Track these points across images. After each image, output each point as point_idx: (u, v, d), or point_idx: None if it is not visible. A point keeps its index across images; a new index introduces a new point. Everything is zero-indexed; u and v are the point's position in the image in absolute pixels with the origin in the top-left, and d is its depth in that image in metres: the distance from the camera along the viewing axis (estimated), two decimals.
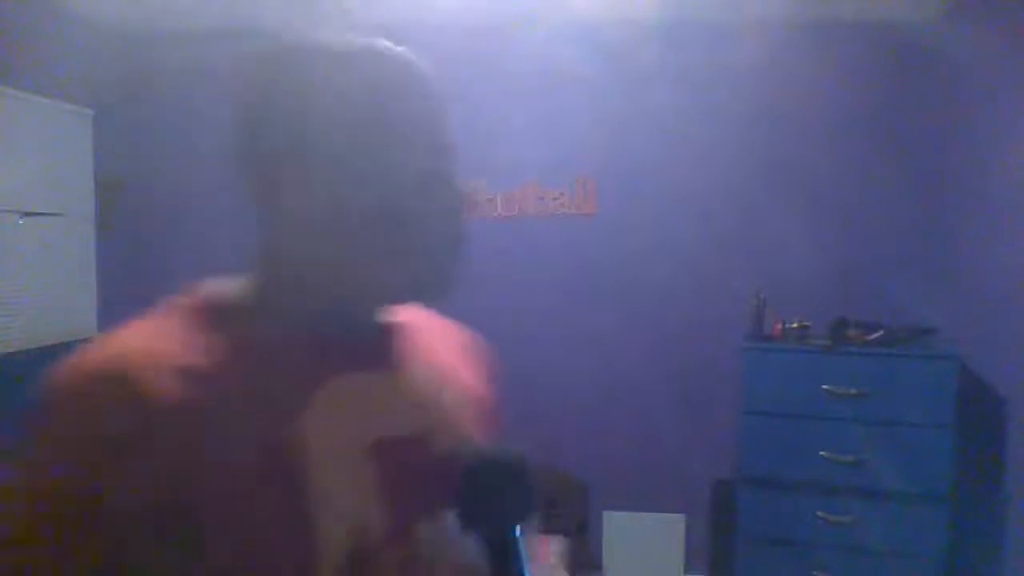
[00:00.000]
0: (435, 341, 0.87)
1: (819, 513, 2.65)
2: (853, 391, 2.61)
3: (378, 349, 0.78)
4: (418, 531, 0.73)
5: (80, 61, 3.22)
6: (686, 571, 3.30)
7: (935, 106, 3.04)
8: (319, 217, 0.72)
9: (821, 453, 2.63)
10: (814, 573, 2.65)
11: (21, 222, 2.98)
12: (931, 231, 3.06)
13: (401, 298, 0.78)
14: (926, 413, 2.56)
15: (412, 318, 0.85)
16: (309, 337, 0.72)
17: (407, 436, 0.75)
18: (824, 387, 2.63)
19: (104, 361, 0.68)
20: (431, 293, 0.77)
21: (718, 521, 3.26)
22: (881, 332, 2.72)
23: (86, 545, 0.62)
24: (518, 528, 0.71)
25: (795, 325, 2.87)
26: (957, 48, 2.78)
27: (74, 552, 0.62)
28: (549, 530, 2.93)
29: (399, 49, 0.82)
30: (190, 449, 0.63)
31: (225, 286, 0.81)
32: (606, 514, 3.29)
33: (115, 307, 3.44)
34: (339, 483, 0.68)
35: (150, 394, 0.64)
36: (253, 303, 0.77)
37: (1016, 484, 2.45)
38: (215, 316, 0.75)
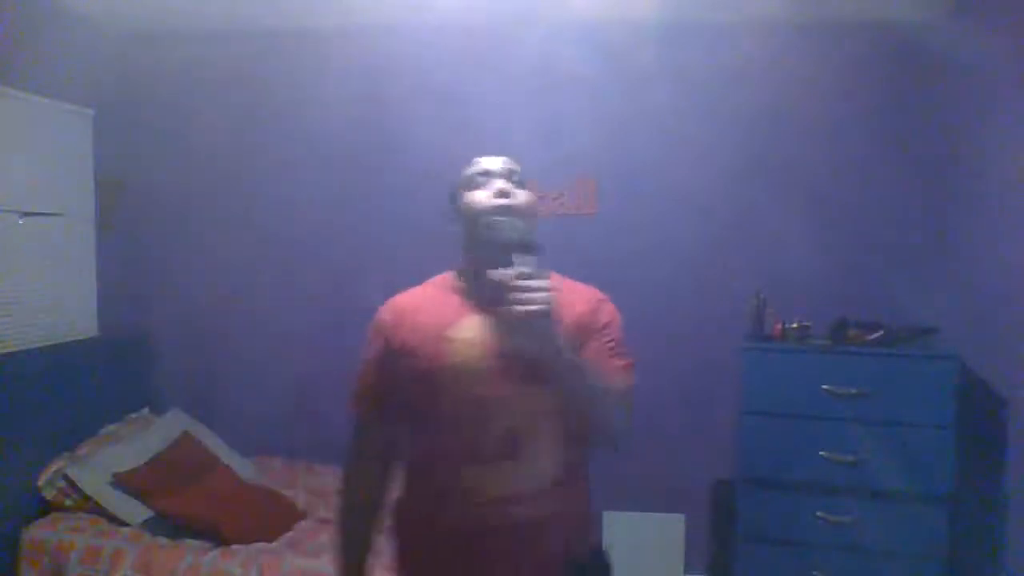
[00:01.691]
0: (562, 294, 1.38)
1: (819, 513, 2.65)
2: (853, 391, 2.61)
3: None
4: (520, 399, 1.37)
5: (80, 61, 3.22)
6: (686, 571, 3.30)
7: (935, 106, 3.04)
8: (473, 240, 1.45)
9: (821, 453, 2.63)
10: (814, 573, 2.65)
11: (21, 222, 2.98)
12: (931, 231, 3.06)
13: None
14: (926, 413, 2.56)
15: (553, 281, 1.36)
16: (471, 290, 1.46)
17: (508, 343, 1.36)
18: (824, 387, 2.63)
19: (385, 305, 1.53)
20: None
21: (718, 521, 3.27)
22: (881, 332, 2.72)
23: (387, 384, 1.47)
24: None
25: (795, 325, 2.87)
26: (958, 48, 2.78)
27: (383, 390, 1.48)
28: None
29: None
30: (412, 336, 1.44)
31: (448, 272, 1.54)
32: (606, 514, 3.29)
33: (115, 307, 3.45)
34: (459, 358, 1.39)
35: (396, 315, 1.49)
36: (454, 276, 1.52)
37: (1016, 484, 2.45)
38: (440, 280, 1.54)
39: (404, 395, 1.44)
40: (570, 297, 1.47)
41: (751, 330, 2.90)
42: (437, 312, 1.44)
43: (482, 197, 1.43)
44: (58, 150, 3.18)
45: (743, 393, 2.73)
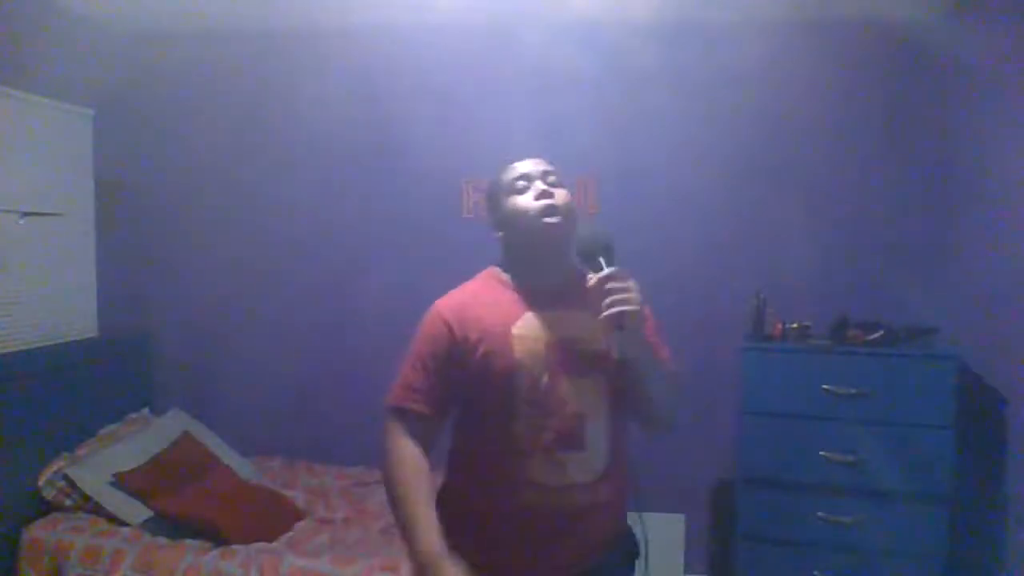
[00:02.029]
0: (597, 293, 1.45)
1: (819, 513, 2.65)
2: (853, 391, 2.61)
3: (561, 297, 1.51)
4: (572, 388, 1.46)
5: (80, 61, 3.22)
6: (686, 571, 3.29)
7: (936, 106, 3.04)
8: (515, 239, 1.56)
9: (821, 453, 2.63)
10: (814, 573, 2.65)
11: (21, 222, 2.98)
12: (931, 231, 3.06)
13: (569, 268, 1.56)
14: (926, 413, 2.56)
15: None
16: (523, 288, 1.54)
17: (566, 338, 1.47)
18: (824, 387, 2.63)
19: (444, 298, 1.56)
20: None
21: (718, 521, 3.27)
22: (881, 332, 2.72)
23: (443, 378, 1.50)
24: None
25: (795, 325, 2.87)
26: (958, 47, 2.78)
27: (438, 383, 1.50)
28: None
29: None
30: (476, 331, 1.48)
31: (495, 267, 1.60)
32: None
33: (115, 307, 3.45)
34: (526, 354, 1.46)
35: (457, 310, 1.51)
36: (500, 275, 1.59)
37: (1016, 484, 2.45)
38: (487, 279, 1.59)
39: (463, 389, 1.49)
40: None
41: (751, 330, 2.90)
42: (496, 308, 1.50)
43: (527, 201, 1.50)
44: (58, 150, 3.18)
45: (743, 393, 2.73)
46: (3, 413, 2.68)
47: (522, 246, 1.54)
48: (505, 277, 1.57)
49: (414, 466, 1.46)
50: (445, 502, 1.52)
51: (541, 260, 1.53)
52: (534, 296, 1.51)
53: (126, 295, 3.49)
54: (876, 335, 2.72)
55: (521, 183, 1.52)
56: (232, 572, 2.51)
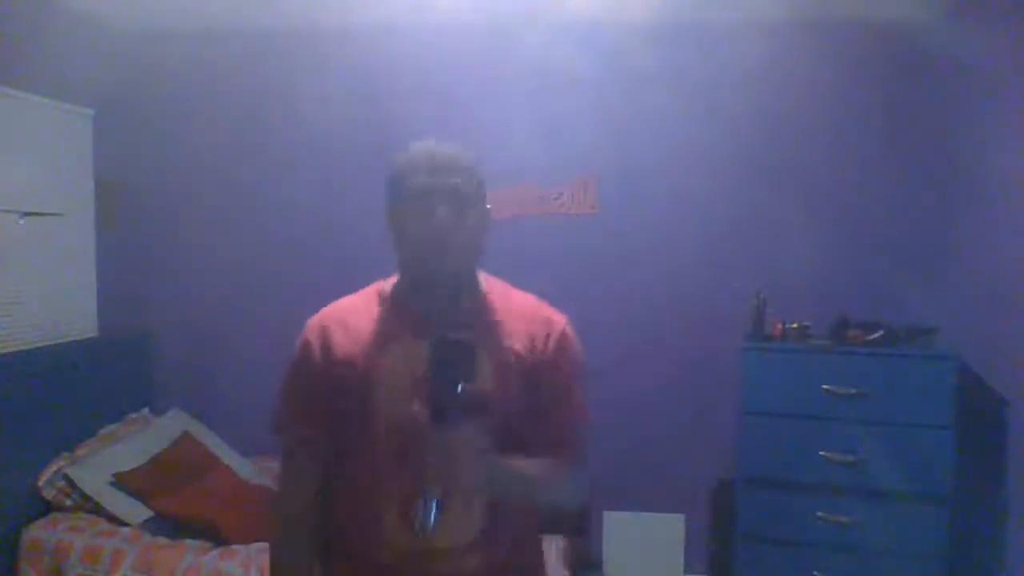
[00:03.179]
0: (505, 316, 1.32)
1: (819, 513, 2.65)
2: (853, 391, 2.61)
3: (446, 326, 1.21)
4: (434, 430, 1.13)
5: (80, 61, 3.21)
6: (686, 571, 3.29)
7: (935, 106, 3.04)
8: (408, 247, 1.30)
9: (821, 453, 2.63)
10: (814, 573, 2.65)
11: (21, 222, 2.98)
12: (931, 231, 3.06)
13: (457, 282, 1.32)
14: (926, 413, 2.56)
15: (496, 300, 1.34)
16: (406, 309, 1.32)
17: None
18: (824, 387, 2.63)
19: (316, 316, 1.38)
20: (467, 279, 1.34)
21: (718, 521, 3.26)
22: (881, 332, 2.72)
23: (313, 394, 1.34)
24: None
25: (795, 325, 2.87)
26: (958, 48, 2.78)
27: (309, 398, 1.35)
28: (549, 530, 2.93)
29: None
30: (341, 353, 1.30)
31: (386, 281, 1.39)
32: (606, 514, 3.29)
33: (115, 307, 3.44)
34: (389, 388, 1.26)
35: (325, 328, 1.34)
36: (385, 289, 1.38)
37: (1016, 484, 2.45)
38: (373, 294, 1.38)
39: (329, 415, 1.32)
40: (517, 316, 1.33)
41: (751, 330, 2.90)
42: (369, 329, 1.31)
43: (416, 228, 1.24)
44: (58, 150, 3.18)
45: (743, 393, 2.73)
46: (3, 413, 2.67)
47: (404, 271, 1.34)
48: (388, 292, 1.36)
49: (297, 541, 1.34)
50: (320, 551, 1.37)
51: (423, 291, 1.30)
52: (415, 320, 1.28)
53: (126, 295, 3.49)
54: (876, 335, 2.72)
55: (415, 202, 1.25)
56: (232, 572, 2.51)
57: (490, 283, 1.38)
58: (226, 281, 3.54)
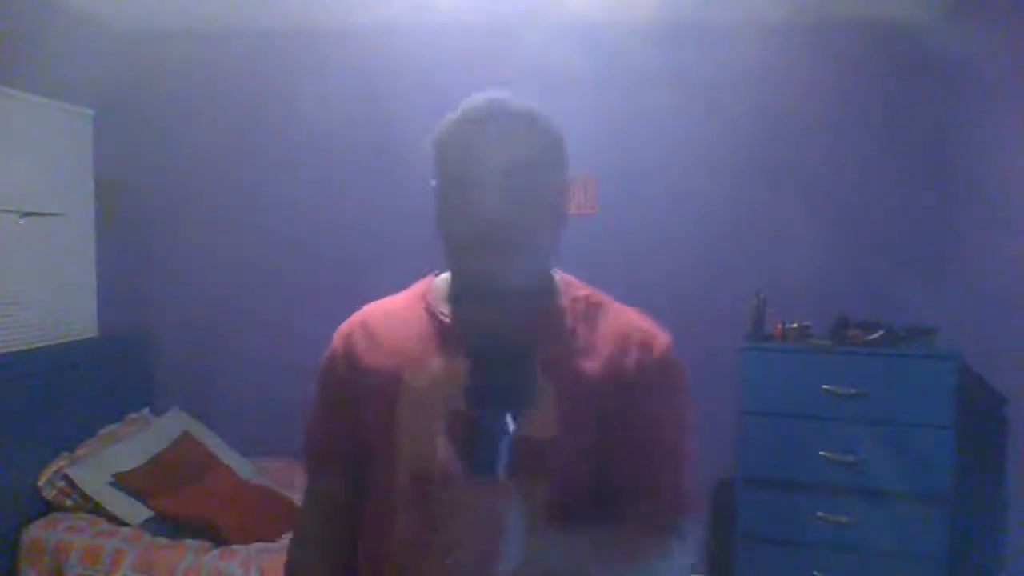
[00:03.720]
0: (585, 330, 1.03)
1: (819, 513, 2.64)
2: (853, 391, 2.61)
3: (503, 334, 0.93)
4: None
5: (80, 61, 3.21)
6: None
7: (935, 106, 3.03)
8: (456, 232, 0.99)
9: (821, 453, 2.63)
10: (814, 573, 2.65)
11: (21, 222, 2.98)
12: (931, 231, 3.06)
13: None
14: (926, 413, 2.56)
15: (574, 308, 1.04)
16: (451, 316, 1.05)
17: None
18: (824, 387, 2.63)
19: (351, 319, 1.16)
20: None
21: (718, 521, 3.26)
22: (881, 332, 2.72)
23: (333, 429, 1.13)
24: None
25: (795, 325, 2.87)
26: (958, 48, 2.78)
27: (328, 434, 1.14)
28: None
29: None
30: (361, 372, 1.07)
31: (436, 276, 1.13)
32: None
33: (115, 307, 3.44)
34: (414, 416, 1.00)
35: (351, 338, 1.11)
36: (432, 289, 1.11)
37: (1016, 484, 2.45)
38: (419, 294, 1.11)
39: (351, 457, 1.09)
40: (604, 330, 1.03)
41: (751, 330, 2.90)
42: (402, 342, 1.05)
43: (458, 211, 0.96)
44: (58, 150, 3.18)
45: (743, 393, 2.73)
46: (3, 413, 2.67)
47: (452, 263, 1.04)
48: (433, 292, 1.09)
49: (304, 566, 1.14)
50: None
51: (474, 292, 1.02)
52: (460, 332, 1.01)
53: (126, 295, 3.49)
54: (876, 335, 2.72)
55: (464, 171, 0.96)
56: (232, 572, 2.51)
57: (568, 285, 1.09)
58: (226, 281, 3.54)
